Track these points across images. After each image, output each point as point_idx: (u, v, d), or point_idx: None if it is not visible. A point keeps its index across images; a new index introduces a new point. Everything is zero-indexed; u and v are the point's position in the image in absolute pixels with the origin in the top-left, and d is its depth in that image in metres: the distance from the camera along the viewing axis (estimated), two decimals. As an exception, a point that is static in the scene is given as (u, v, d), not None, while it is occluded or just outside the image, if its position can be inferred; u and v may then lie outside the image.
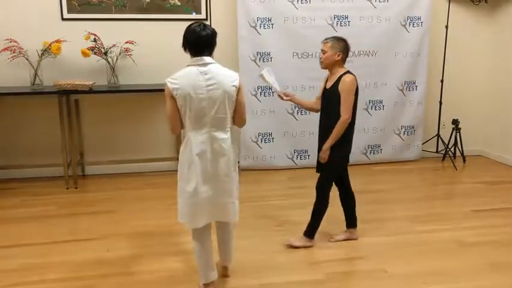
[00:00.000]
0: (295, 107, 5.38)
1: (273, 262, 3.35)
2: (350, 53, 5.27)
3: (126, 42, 4.98)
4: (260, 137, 5.42)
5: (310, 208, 4.04)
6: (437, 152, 6.01)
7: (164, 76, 5.52)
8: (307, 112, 5.38)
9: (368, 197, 4.64)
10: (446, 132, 5.93)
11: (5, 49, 4.69)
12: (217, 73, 2.68)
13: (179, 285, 3.05)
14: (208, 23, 5.05)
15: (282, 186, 5.00)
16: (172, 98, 2.64)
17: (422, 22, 5.47)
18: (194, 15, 5.21)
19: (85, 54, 4.80)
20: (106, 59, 4.92)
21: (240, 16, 5.11)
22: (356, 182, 5.10)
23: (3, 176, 5.12)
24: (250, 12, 5.11)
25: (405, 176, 5.37)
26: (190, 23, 5.39)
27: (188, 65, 2.70)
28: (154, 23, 5.17)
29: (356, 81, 3.34)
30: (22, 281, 3.08)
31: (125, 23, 5.09)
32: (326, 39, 3.44)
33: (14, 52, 4.72)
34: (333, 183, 3.57)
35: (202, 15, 5.21)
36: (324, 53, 3.38)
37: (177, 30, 5.23)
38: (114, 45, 4.93)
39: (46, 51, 4.75)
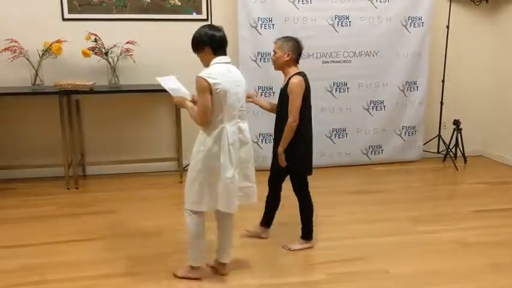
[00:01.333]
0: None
1: (273, 262, 3.35)
2: (351, 53, 5.41)
3: (127, 43, 4.98)
4: (261, 137, 5.42)
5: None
6: (438, 152, 6.00)
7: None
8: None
9: (368, 197, 4.64)
10: (447, 133, 5.92)
11: (5, 49, 4.69)
12: (236, 71, 2.99)
13: (180, 285, 3.05)
14: (208, 23, 5.04)
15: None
16: (210, 92, 2.80)
17: (423, 22, 5.47)
18: (194, 16, 5.21)
19: (85, 54, 4.80)
20: (107, 59, 4.92)
21: (240, 16, 5.11)
22: (356, 182, 5.17)
23: (4, 176, 5.12)
24: (250, 12, 5.11)
25: (406, 177, 5.37)
26: (190, 23, 5.41)
27: (215, 63, 2.89)
28: (155, 23, 5.17)
29: (305, 83, 3.27)
30: (23, 282, 3.07)
31: (126, 23, 5.09)
32: (276, 39, 3.39)
33: (14, 52, 4.71)
34: (269, 182, 3.59)
35: (203, 16, 5.21)
36: (274, 54, 3.36)
37: (177, 30, 5.30)
38: (115, 46, 4.93)
39: (47, 51, 4.75)
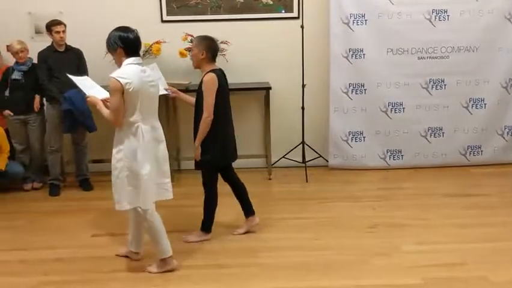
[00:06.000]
0: (388, 105, 5.23)
1: (367, 264, 3.29)
2: (449, 48, 5.16)
3: (221, 43, 5.12)
4: (351, 135, 5.33)
5: (405, 211, 3.94)
6: (545, 154, 5.53)
7: (257, 75, 5.58)
8: (402, 110, 5.22)
9: (466, 200, 4.41)
10: (556, 133, 5.44)
11: (110, 51, 5.02)
12: (149, 72, 3.12)
13: (270, 281, 3.09)
14: (300, 21, 5.05)
15: (373, 187, 4.87)
16: (123, 93, 2.93)
17: (529, 15, 5.08)
18: (286, 14, 5.24)
19: (182, 54, 5.01)
20: (202, 59, 5.09)
21: (332, 13, 5.06)
22: (453, 184, 4.92)
23: (99, 169, 5.29)
24: (343, 8, 5.04)
25: (507, 180, 5.00)
26: (281, 21, 5.44)
27: (128, 64, 3.01)
28: (247, 22, 5.27)
29: (218, 79, 3.40)
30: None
31: (220, 24, 5.23)
32: (194, 38, 3.58)
33: (118, 53, 5.03)
34: (223, 179, 3.70)
35: (294, 14, 5.22)
36: (191, 52, 3.52)
37: (269, 29, 5.36)
38: (209, 45, 5.09)
39: (147, 52, 5.03)
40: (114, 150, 3.10)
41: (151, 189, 3.08)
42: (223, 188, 3.67)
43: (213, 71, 3.45)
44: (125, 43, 3.01)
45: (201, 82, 3.46)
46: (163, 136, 3.20)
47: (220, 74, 3.49)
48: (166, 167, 3.22)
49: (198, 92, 3.50)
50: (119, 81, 2.91)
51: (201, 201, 3.65)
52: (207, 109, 3.40)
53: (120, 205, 3.11)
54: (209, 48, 3.46)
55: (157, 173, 3.13)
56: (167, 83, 3.97)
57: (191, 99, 3.71)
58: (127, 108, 2.98)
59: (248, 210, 3.80)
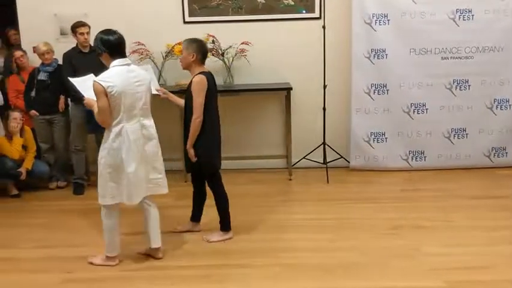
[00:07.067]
0: (411, 105, 5.17)
1: (388, 266, 3.26)
2: (473, 48, 5.08)
3: (242, 43, 5.15)
4: (372, 136, 5.29)
5: (427, 213, 3.89)
6: None
7: (278, 75, 5.58)
8: (425, 111, 5.16)
9: (491, 202, 4.32)
10: None
11: (134, 52, 5.09)
12: (138, 71, 3.20)
13: (290, 282, 3.10)
14: (321, 21, 5.03)
15: (395, 189, 4.82)
16: (106, 95, 3.01)
17: (557, 14, 4.96)
18: (307, 14, 5.23)
19: (203, 55, 5.03)
20: (223, 60, 5.13)
21: (354, 13, 5.03)
22: (477, 186, 4.84)
23: None
24: (365, 8, 5.01)
25: (534, 182, 4.91)
26: (302, 22, 5.43)
27: (113, 66, 3.10)
28: (268, 23, 5.27)
29: (207, 81, 3.43)
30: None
31: (241, 24, 5.25)
32: (183, 40, 3.57)
33: (141, 54, 5.11)
34: (191, 181, 3.77)
35: (316, 14, 5.21)
36: (181, 54, 3.56)
37: (290, 29, 5.36)
38: (230, 46, 5.12)
39: (170, 53, 5.08)
40: (100, 148, 3.23)
41: (137, 186, 3.18)
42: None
43: (202, 73, 3.50)
44: (108, 46, 3.10)
45: (190, 84, 3.51)
46: (155, 134, 3.30)
47: (210, 77, 3.53)
48: (158, 163, 3.32)
49: (187, 93, 3.54)
50: (101, 84, 3.01)
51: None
52: (195, 111, 3.44)
53: (103, 199, 3.23)
54: (199, 50, 3.51)
55: (147, 169, 3.24)
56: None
57: (181, 101, 3.75)
58: (111, 110, 3.08)
59: (198, 217, 3.86)
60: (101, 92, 3.02)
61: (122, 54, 3.16)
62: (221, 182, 3.68)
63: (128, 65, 3.15)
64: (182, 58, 3.56)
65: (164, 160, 3.42)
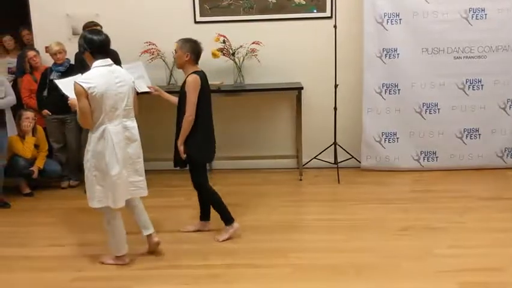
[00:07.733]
0: (423, 105, 5.13)
1: (399, 267, 3.24)
2: (486, 48, 5.02)
3: (253, 43, 5.14)
4: (384, 136, 5.26)
5: (439, 214, 3.85)
6: None
7: (289, 75, 5.57)
8: (437, 111, 5.12)
9: (504, 204, 4.28)
10: None
11: (145, 51, 5.11)
12: (120, 72, 3.18)
13: (301, 282, 3.08)
14: (332, 20, 5.02)
15: (406, 189, 4.79)
16: (87, 96, 2.99)
17: None
18: (318, 14, 5.21)
19: (214, 55, 5.04)
20: (234, 60, 5.13)
21: (366, 12, 5.01)
22: (489, 187, 4.79)
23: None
24: (377, 8, 4.99)
25: (548, 183, 4.85)
26: (313, 21, 5.41)
27: (95, 67, 3.08)
28: (279, 23, 5.26)
29: (201, 81, 3.48)
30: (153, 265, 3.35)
31: (252, 24, 5.25)
32: (177, 40, 3.61)
33: (152, 54, 5.12)
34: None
35: (327, 13, 5.19)
36: (176, 53, 3.59)
37: (301, 29, 5.34)
38: (241, 46, 5.12)
39: (180, 52, 5.08)
40: (85, 150, 3.22)
41: (121, 189, 3.17)
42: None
43: (196, 72, 3.54)
44: (91, 46, 3.09)
45: (184, 83, 3.55)
46: (137, 135, 3.27)
47: (203, 76, 3.58)
48: (139, 166, 3.31)
49: (181, 92, 3.58)
50: (81, 85, 3.00)
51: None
52: (188, 109, 3.49)
53: (91, 202, 3.23)
54: (193, 50, 3.55)
55: (129, 172, 3.22)
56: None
57: (173, 98, 3.78)
58: (93, 111, 3.07)
59: (207, 215, 3.87)
60: (82, 93, 3.01)
61: (104, 55, 3.13)
62: (206, 177, 3.70)
63: (110, 65, 3.14)
64: (177, 57, 3.61)
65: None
